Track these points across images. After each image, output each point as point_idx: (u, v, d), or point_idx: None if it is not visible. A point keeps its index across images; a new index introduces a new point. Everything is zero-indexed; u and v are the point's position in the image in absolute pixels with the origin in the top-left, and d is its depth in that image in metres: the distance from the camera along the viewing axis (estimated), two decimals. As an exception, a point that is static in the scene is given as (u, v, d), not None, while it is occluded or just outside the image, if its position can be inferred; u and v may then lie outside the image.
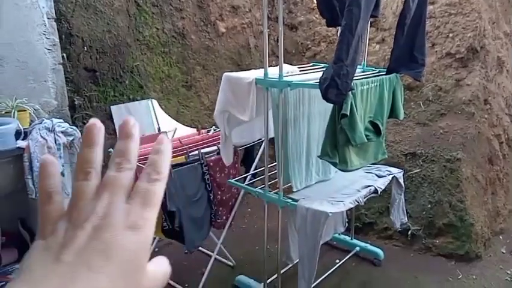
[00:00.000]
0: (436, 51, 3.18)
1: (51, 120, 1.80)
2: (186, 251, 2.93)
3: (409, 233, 2.93)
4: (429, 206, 2.91)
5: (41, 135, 1.69)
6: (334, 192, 2.24)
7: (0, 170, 1.69)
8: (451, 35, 3.15)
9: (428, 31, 3.21)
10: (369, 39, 3.46)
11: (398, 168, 2.59)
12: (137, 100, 3.01)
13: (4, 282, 1.95)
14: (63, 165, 1.74)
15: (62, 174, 1.75)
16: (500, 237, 3.10)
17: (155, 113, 3.13)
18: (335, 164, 2.01)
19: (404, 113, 3.15)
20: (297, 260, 2.18)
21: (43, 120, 1.81)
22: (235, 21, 3.65)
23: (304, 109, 2.22)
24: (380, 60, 3.40)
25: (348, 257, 2.79)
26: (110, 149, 1.64)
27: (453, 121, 3.04)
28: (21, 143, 1.66)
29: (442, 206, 2.86)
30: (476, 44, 3.08)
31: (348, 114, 1.84)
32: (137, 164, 1.61)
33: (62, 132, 1.76)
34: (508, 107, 3.46)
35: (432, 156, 2.98)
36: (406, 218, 2.59)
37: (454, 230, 2.82)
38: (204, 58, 3.44)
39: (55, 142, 1.71)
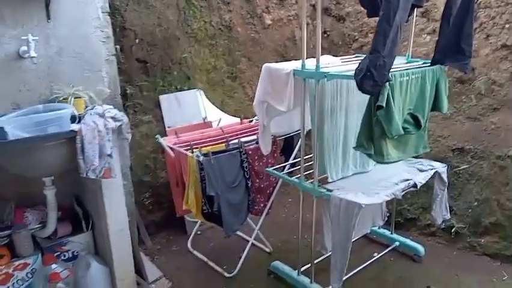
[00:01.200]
0: (491, 43, 3.03)
1: (102, 106, 1.96)
2: (226, 236, 3.05)
3: (453, 230, 2.83)
4: (475, 203, 2.79)
5: (92, 120, 1.86)
6: (370, 184, 2.23)
7: (57, 150, 1.87)
8: (507, 25, 2.98)
9: (482, 22, 3.07)
10: (419, 30, 3.36)
11: (444, 163, 2.51)
12: (184, 90, 3.15)
13: (60, 252, 2.17)
14: (111, 148, 1.89)
15: (111, 156, 1.90)
16: (555, 241, 2.90)
17: (202, 103, 3.26)
18: (370, 156, 2.00)
19: (454, 107, 3.07)
20: (331, 250, 2.20)
21: (95, 106, 1.97)
22: (281, 13, 3.69)
23: (342, 100, 2.23)
24: (431, 52, 3.25)
25: (386, 251, 2.76)
26: (157, 136, 1.83)
27: (506, 116, 2.88)
28: (75, 126, 1.83)
29: (490, 204, 2.74)
30: (536, 34, 2.89)
31: (385, 105, 1.83)
32: (180, 150, 1.78)
33: (111, 117, 1.91)
34: None
35: (481, 152, 2.85)
36: (449, 215, 2.51)
37: (501, 230, 2.69)
38: (250, 50, 3.52)
39: (105, 126, 1.87)
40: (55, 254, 2.15)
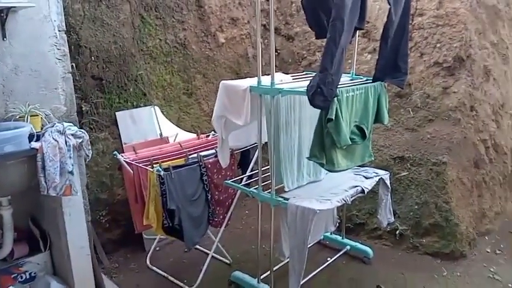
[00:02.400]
0: (424, 61, 3.36)
1: (62, 124, 1.97)
2: (186, 250, 3.10)
3: (397, 232, 3.07)
4: (416, 207, 3.06)
5: (53, 137, 1.86)
6: (323, 191, 2.39)
7: (15, 169, 1.85)
8: (438, 45, 3.32)
9: (416, 41, 3.40)
10: (361, 49, 3.65)
11: (387, 170, 2.75)
12: (140, 107, 3.18)
13: (16, 274, 2.12)
14: (72, 165, 1.91)
15: (72, 173, 1.91)
16: (486, 238, 3.24)
17: (157, 119, 3.31)
18: (322, 165, 2.17)
19: (394, 119, 3.35)
20: (288, 256, 2.33)
21: (55, 124, 1.98)
22: (234, 32, 3.84)
23: (295, 114, 2.39)
24: (372, 70, 3.53)
25: (338, 255, 2.94)
26: (115, 152, 1.91)
27: (440, 127, 3.20)
28: (35, 144, 1.83)
29: (428, 207, 3.01)
30: (463, 53, 3.25)
31: (334, 118, 2.01)
32: (140, 165, 1.89)
33: (72, 134, 1.93)
34: (494, 114, 3.61)
35: (419, 159, 3.14)
36: (393, 218, 2.73)
37: (440, 230, 2.97)
38: (204, 67, 3.63)
39: (66, 144, 1.88)
40: (12, 276, 2.10)
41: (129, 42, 3.10)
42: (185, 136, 3.19)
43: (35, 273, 2.18)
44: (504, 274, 2.79)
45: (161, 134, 3.23)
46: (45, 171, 1.81)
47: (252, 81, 2.32)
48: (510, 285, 2.68)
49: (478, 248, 3.08)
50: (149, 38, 3.25)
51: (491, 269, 2.84)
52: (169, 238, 3.03)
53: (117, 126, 3.02)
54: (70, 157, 1.89)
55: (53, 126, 1.94)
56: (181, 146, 2.82)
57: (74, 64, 2.59)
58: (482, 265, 2.89)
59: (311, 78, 2.03)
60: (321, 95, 1.95)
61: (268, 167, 2.45)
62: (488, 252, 3.06)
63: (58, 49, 2.35)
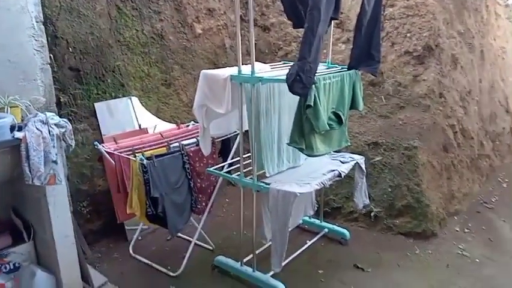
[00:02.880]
0: (396, 50, 3.49)
1: (45, 114, 1.97)
2: (168, 238, 3.15)
3: (372, 215, 3.22)
4: (389, 189, 3.21)
5: (36, 127, 1.87)
6: (302, 176, 2.49)
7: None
8: (408, 34, 3.46)
9: (388, 31, 3.53)
10: (335, 40, 3.75)
11: (361, 155, 2.87)
12: (119, 97, 3.19)
13: (0, 265, 2.13)
14: (56, 155, 1.92)
15: (56, 162, 1.93)
16: (455, 218, 3.42)
17: (134, 110, 3.31)
18: (301, 150, 2.25)
19: (368, 106, 3.47)
20: (271, 239, 2.42)
21: (37, 113, 1.98)
22: (211, 23, 3.87)
23: (275, 102, 2.46)
24: (346, 59, 3.63)
25: (317, 237, 3.06)
26: (96, 142, 1.97)
27: (411, 113, 3.35)
28: (18, 134, 1.83)
29: (401, 189, 3.16)
30: (432, 42, 3.41)
31: (312, 105, 2.09)
32: (121, 154, 1.96)
33: (55, 124, 1.94)
34: (462, 100, 3.80)
35: (392, 145, 3.28)
36: (368, 200, 2.86)
37: (412, 211, 3.13)
38: (182, 58, 3.65)
39: (49, 133, 1.89)
40: (-4, 267, 2.10)
41: (106, 33, 3.09)
42: (165, 126, 3.21)
43: (19, 263, 2.18)
44: (472, 250, 2.97)
45: (140, 125, 3.24)
46: (29, 160, 1.82)
47: (232, 70, 2.37)
48: (477, 260, 2.86)
49: (448, 227, 3.26)
50: (126, 28, 3.24)
51: (460, 246, 3.02)
52: (152, 226, 3.09)
53: (96, 117, 3.02)
54: (54, 146, 1.90)
55: (35, 116, 1.95)
56: (162, 135, 2.85)
57: (51, 55, 2.57)
58: (452, 243, 3.07)
59: (289, 67, 2.11)
60: (300, 82, 2.02)
61: (249, 154, 2.52)
62: (457, 231, 3.25)
63: (36, 40, 2.33)
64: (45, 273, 2.15)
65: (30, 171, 1.83)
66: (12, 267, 2.17)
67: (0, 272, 2.10)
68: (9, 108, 2.11)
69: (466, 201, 3.66)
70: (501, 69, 4.93)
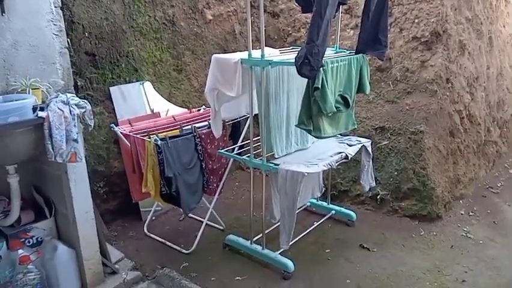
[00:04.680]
0: (403, 36, 3.53)
1: (66, 95, 2.07)
2: (180, 219, 3.27)
3: (378, 197, 3.30)
4: (395, 173, 3.28)
5: (58, 107, 1.97)
6: (310, 158, 2.57)
7: (23, 137, 1.95)
8: (416, 20, 3.49)
9: (396, 17, 3.56)
10: (344, 25, 3.79)
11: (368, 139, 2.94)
12: (132, 82, 3.28)
13: (24, 239, 2.25)
14: (77, 133, 2.02)
15: (76, 141, 2.03)
16: (461, 202, 3.49)
17: (146, 95, 3.41)
18: (309, 131, 2.33)
19: (375, 92, 3.53)
20: (279, 218, 2.51)
21: (59, 94, 2.08)
22: (221, 9, 3.94)
23: (284, 86, 2.54)
24: (354, 44, 3.66)
25: (324, 219, 3.15)
26: (112, 125, 2.10)
27: (418, 98, 3.40)
28: (42, 113, 1.94)
29: (407, 173, 3.23)
30: (439, 28, 3.44)
31: (320, 87, 2.17)
32: (136, 136, 2.10)
33: (75, 104, 2.04)
34: (469, 86, 3.83)
35: (398, 129, 3.34)
36: (374, 183, 2.94)
37: (417, 194, 3.20)
38: (193, 44, 3.73)
39: (70, 113, 1.99)
40: (21, 240, 2.23)
41: (120, 18, 3.17)
42: (176, 111, 3.31)
43: (41, 238, 2.30)
44: (476, 233, 3.04)
45: (152, 110, 3.34)
46: (52, 138, 1.92)
47: (242, 55, 2.45)
48: (481, 241, 2.93)
49: (453, 211, 3.33)
50: (139, 14, 3.32)
51: (465, 229, 3.09)
52: (165, 207, 3.21)
53: (111, 101, 3.12)
54: (75, 125, 2.00)
55: (57, 96, 2.04)
56: (174, 119, 2.95)
57: (69, 40, 2.66)
58: (457, 225, 3.14)
59: (298, 51, 2.18)
60: (308, 65, 2.10)
61: (259, 137, 2.61)
62: (462, 214, 3.32)
63: (55, 25, 2.41)
64: (66, 247, 2.27)
65: (53, 149, 1.94)
66: (35, 241, 2.29)
67: (24, 245, 2.22)
68: (30, 90, 2.22)
69: (472, 185, 3.72)
70: (510, 56, 4.93)
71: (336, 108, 2.34)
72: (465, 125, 3.73)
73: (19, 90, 2.21)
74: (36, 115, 1.95)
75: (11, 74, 2.25)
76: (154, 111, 3.31)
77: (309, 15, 2.37)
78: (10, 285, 2.17)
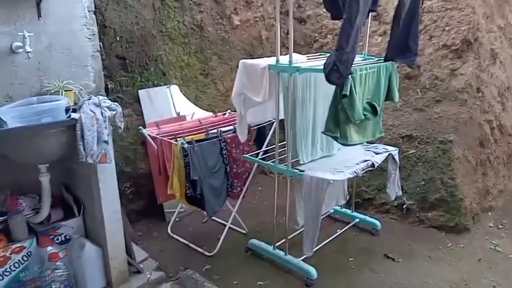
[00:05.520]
0: (433, 43, 3.47)
1: (98, 97, 2.13)
2: (204, 221, 3.30)
3: (404, 207, 3.24)
4: (423, 183, 3.21)
5: (90, 109, 2.02)
6: (336, 165, 2.55)
7: (56, 138, 2.01)
8: (447, 28, 3.43)
9: (426, 24, 3.51)
10: (372, 32, 3.76)
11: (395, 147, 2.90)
12: (160, 86, 3.34)
13: (54, 236, 2.31)
14: (108, 135, 2.07)
15: (107, 142, 2.08)
16: (489, 214, 3.39)
17: (172, 99, 3.46)
18: (336, 139, 2.32)
19: (403, 99, 3.48)
20: (303, 224, 2.50)
21: (91, 97, 2.13)
22: (248, 15, 3.97)
23: (311, 92, 2.53)
24: (382, 51, 3.65)
25: (348, 226, 3.12)
26: (140, 127, 2.13)
27: (447, 107, 3.33)
28: (75, 115, 1.99)
29: (435, 182, 3.16)
30: (470, 36, 3.36)
31: (348, 94, 2.15)
32: (163, 138, 2.14)
33: (107, 107, 2.09)
34: (500, 96, 3.73)
35: (427, 138, 3.28)
36: (401, 192, 2.89)
37: (445, 205, 3.12)
38: (220, 49, 3.77)
39: (102, 115, 2.04)
40: (50, 237, 2.29)
41: (150, 23, 3.24)
42: (202, 114, 3.34)
43: (69, 235, 2.36)
44: (505, 246, 2.95)
45: (178, 113, 3.39)
46: (83, 140, 1.97)
47: (270, 60, 2.46)
48: (510, 256, 2.84)
49: (481, 223, 3.24)
50: (168, 19, 3.38)
51: (493, 242, 3.00)
52: (189, 209, 3.24)
53: (139, 103, 3.18)
54: (106, 127, 2.05)
55: (89, 99, 2.10)
56: (200, 122, 2.98)
57: (101, 43, 2.73)
58: (485, 238, 3.05)
59: (325, 58, 2.17)
60: (337, 72, 2.09)
61: (284, 142, 2.61)
62: (490, 226, 3.22)
63: (88, 29, 2.49)
64: (94, 246, 2.32)
65: (84, 150, 1.99)
66: (63, 238, 2.35)
67: (53, 242, 2.29)
68: (63, 91, 2.28)
69: (501, 198, 3.61)
70: (544, 65, 4.77)
71: (364, 115, 2.31)
72: (495, 136, 3.63)
73: (52, 91, 2.28)
74: (69, 116, 2.01)
75: (45, 75, 2.32)
76: (180, 115, 3.36)
77: (337, 21, 2.37)
78: (39, 281, 2.24)
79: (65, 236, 2.36)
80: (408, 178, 3.28)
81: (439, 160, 3.19)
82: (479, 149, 3.43)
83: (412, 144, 3.33)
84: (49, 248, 2.22)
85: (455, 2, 3.41)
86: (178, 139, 2.56)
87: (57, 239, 2.33)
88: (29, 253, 2.21)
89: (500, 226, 3.22)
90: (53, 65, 2.35)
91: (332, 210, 3.23)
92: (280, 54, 2.39)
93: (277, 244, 2.73)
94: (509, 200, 3.64)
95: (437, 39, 3.46)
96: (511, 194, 3.74)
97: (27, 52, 2.12)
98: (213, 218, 3.14)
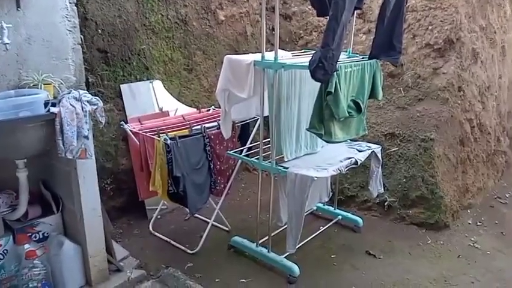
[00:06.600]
0: (417, 42, 3.50)
1: (78, 91, 2.07)
2: (186, 218, 3.26)
3: (386, 204, 3.27)
4: (404, 180, 3.25)
5: (70, 103, 1.97)
6: (319, 162, 2.55)
7: (34, 132, 1.95)
8: (430, 27, 3.47)
9: (409, 23, 3.53)
10: (356, 30, 3.77)
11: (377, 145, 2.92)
12: (143, 80, 3.28)
13: (31, 233, 2.25)
14: (88, 130, 2.02)
15: (87, 137, 2.03)
16: (468, 211, 3.46)
17: (155, 93, 3.40)
18: (320, 136, 2.32)
19: (386, 98, 3.51)
20: (286, 221, 2.50)
21: (71, 91, 2.08)
22: (233, 10, 3.93)
23: (296, 89, 2.53)
24: (366, 49, 3.69)
25: (331, 224, 3.13)
26: (122, 122, 2.09)
27: (429, 105, 3.37)
28: (54, 109, 1.94)
29: (416, 180, 3.20)
30: (453, 36, 3.41)
31: (333, 91, 2.15)
32: (145, 134, 2.10)
33: (87, 101, 2.03)
34: (480, 95, 3.80)
35: (408, 136, 3.32)
36: (383, 189, 2.92)
37: (426, 202, 3.17)
38: (204, 44, 3.72)
39: (82, 109, 1.99)
40: (27, 235, 2.22)
41: (133, 16, 3.17)
42: (185, 110, 3.30)
43: (47, 233, 2.30)
44: (483, 243, 3.01)
45: (161, 108, 3.33)
46: (63, 134, 1.92)
47: (255, 56, 2.44)
48: (488, 252, 2.90)
49: (461, 220, 3.30)
50: (152, 13, 3.32)
51: (472, 239, 3.06)
52: (171, 207, 3.20)
53: (121, 98, 3.12)
54: (86, 122, 2.00)
55: (69, 93, 2.04)
56: (184, 118, 2.95)
57: (82, 36, 2.66)
58: (464, 235, 3.11)
59: (310, 55, 2.16)
60: (322, 69, 2.08)
61: (268, 139, 2.60)
62: (469, 223, 3.28)
63: (69, 21, 2.42)
64: (73, 244, 2.27)
65: (63, 145, 1.94)
66: (41, 236, 2.29)
67: (30, 240, 2.22)
68: (42, 85, 2.22)
69: (480, 195, 3.69)
70: (522, 65, 4.88)
71: (348, 113, 2.32)
72: (475, 134, 3.70)
73: (31, 85, 2.21)
74: (48, 110, 1.96)
75: (23, 68, 2.25)
76: (163, 110, 3.31)
77: (322, 18, 2.37)
78: (15, 279, 2.18)
79: (43, 234, 2.30)
80: (390, 175, 3.32)
81: (420, 158, 3.23)
82: (459, 147, 3.48)
83: (394, 142, 3.37)
84: (26, 245, 2.17)
85: (438, 2, 3.44)
86: (161, 135, 2.52)
87: (35, 237, 2.27)
88: (5, 251, 2.15)
89: (479, 223, 3.29)
90: (32, 57, 2.28)
91: (314, 207, 3.23)
92: (266, 51, 2.37)
93: (260, 241, 2.73)
94: (488, 198, 3.72)
95: (421, 38, 3.49)
96: (490, 192, 3.82)
97: (5, 44, 2.05)
98: (196, 215, 3.11)
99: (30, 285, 2.12)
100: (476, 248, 2.95)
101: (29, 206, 2.26)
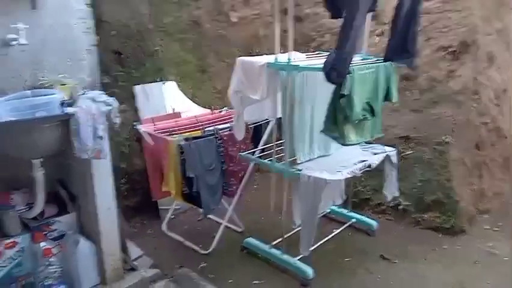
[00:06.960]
0: (431, 45, 3.47)
1: (94, 92, 2.10)
2: (199, 219, 3.27)
3: (400, 208, 3.23)
4: (419, 184, 3.21)
5: (85, 104, 1.99)
6: (333, 164, 2.53)
7: (50, 132, 1.97)
8: (445, 29, 3.43)
9: (424, 26, 3.49)
10: (370, 32, 3.73)
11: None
12: (156, 81, 3.31)
13: (47, 232, 2.28)
14: (103, 130, 2.04)
15: (102, 138, 2.04)
16: (485, 216, 3.39)
17: (168, 95, 3.42)
18: (334, 138, 2.30)
19: (400, 100, 3.46)
20: (299, 224, 2.48)
21: (87, 91, 2.11)
22: (246, 12, 3.95)
23: (309, 91, 2.51)
24: (380, 51, 3.62)
25: (344, 226, 3.10)
26: (135, 123, 2.10)
27: (444, 109, 3.33)
28: (69, 109, 1.96)
29: (431, 184, 3.16)
30: (468, 38, 3.36)
31: (347, 94, 2.14)
32: (161, 135, 2.10)
33: (103, 102, 2.06)
34: (496, 98, 3.74)
35: (424, 139, 3.27)
36: (397, 193, 2.88)
37: (441, 206, 3.12)
38: (217, 45, 3.75)
39: (97, 110, 2.01)
40: (43, 233, 2.25)
41: (146, 18, 3.21)
42: (197, 111, 3.31)
43: (63, 231, 2.33)
44: (501, 249, 2.94)
45: (174, 109, 3.35)
46: (78, 135, 1.94)
47: (268, 58, 2.44)
48: (506, 258, 2.84)
49: (477, 225, 3.23)
50: (165, 15, 3.36)
51: (489, 244, 2.99)
52: (184, 207, 3.21)
53: (135, 99, 3.15)
54: (101, 123, 2.02)
55: (84, 93, 2.07)
56: (197, 119, 2.96)
57: (98, 37, 2.69)
58: (481, 240, 3.04)
59: (324, 56, 2.15)
60: (336, 71, 2.07)
61: (281, 141, 2.59)
62: (486, 229, 3.22)
63: (84, 22, 2.45)
64: (88, 242, 2.29)
65: (79, 145, 1.96)
66: (57, 234, 2.31)
67: (46, 238, 2.25)
68: (58, 85, 2.25)
69: (497, 200, 3.61)
70: (540, 68, 4.79)
71: (362, 115, 2.30)
72: (492, 139, 3.64)
73: (47, 85, 2.24)
74: (63, 111, 1.98)
75: (39, 69, 2.28)
76: (175, 111, 3.32)
77: (335, 20, 2.35)
78: (32, 277, 2.20)
79: (58, 232, 2.32)
80: (404, 179, 3.27)
81: (436, 161, 3.19)
82: (475, 151, 3.43)
83: (409, 145, 3.33)
84: (43, 244, 2.19)
85: (453, 4, 3.41)
86: (174, 136, 2.53)
87: (51, 235, 2.29)
88: (22, 248, 2.18)
89: (496, 228, 3.22)
90: (48, 58, 2.31)
91: (328, 210, 3.21)
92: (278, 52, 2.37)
93: (273, 243, 2.71)
94: (505, 203, 3.64)
95: (435, 40, 3.45)
96: (506, 197, 3.74)
97: (22, 45, 2.08)
98: (208, 216, 3.12)
99: (46, 283, 2.15)
100: (493, 254, 2.89)
101: (46, 205, 2.29)
